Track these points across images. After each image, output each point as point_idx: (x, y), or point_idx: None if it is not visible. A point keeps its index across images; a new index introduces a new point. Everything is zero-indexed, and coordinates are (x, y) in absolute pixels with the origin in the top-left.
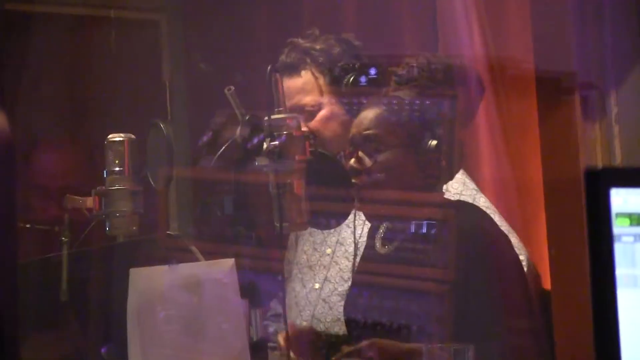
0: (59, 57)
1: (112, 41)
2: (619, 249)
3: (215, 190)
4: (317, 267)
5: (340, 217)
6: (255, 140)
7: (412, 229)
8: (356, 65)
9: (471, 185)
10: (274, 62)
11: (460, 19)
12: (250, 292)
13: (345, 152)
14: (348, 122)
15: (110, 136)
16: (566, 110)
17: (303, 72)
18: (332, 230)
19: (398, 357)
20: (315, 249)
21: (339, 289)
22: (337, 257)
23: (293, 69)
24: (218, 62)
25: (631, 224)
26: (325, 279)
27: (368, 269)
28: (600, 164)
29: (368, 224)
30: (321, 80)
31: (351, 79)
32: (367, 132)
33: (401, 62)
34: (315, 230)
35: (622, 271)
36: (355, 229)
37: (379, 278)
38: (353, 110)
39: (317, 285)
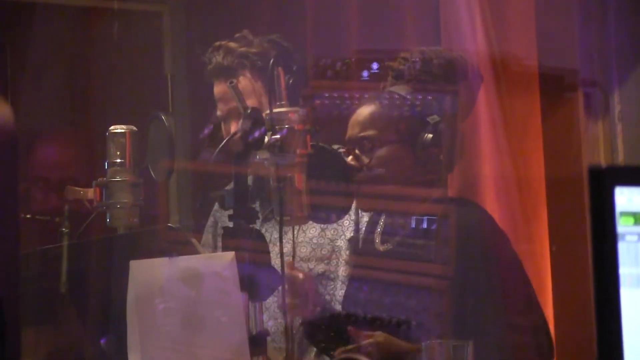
0: (61, 49)
1: (115, 33)
2: (622, 248)
3: (216, 183)
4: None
5: (340, 212)
6: (257, 134)
7: (412, 225)
8: (293, 67)
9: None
10: (276, 56)
11: (464, 15)
12: (250, 286)
13: (343, 151)
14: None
15: (111, 128)
16: (569, 107)
17: (241, 78)
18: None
19: (399, 355)
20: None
21: None
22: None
23: (230, 74)
24: None
25: (635, 223)
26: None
27: (367, 265)
28: (602, 162)
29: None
30: (258, 84)
31: (289, 80)
32: (362, 133)
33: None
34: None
35: (625, 270)
36: (293, 230)
37: (378, 274)
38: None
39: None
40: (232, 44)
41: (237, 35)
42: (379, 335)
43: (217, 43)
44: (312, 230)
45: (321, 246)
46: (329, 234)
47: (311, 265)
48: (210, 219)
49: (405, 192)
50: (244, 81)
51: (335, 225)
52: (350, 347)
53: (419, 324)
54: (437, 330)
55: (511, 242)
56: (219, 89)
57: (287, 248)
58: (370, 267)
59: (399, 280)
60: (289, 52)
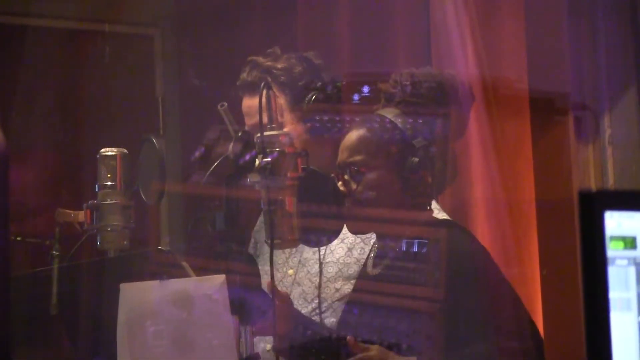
0: (53, 72)
1: (106, 55)
2: (612, 272)
3: (207, 206)
4: (279, 288)
5: (331, 235)
6: (248, 157)
7: (401, 249)
8: (318, 84)
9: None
10: (267, 79)
11: (454, 39)
12: (240, 309)
13: (333, 175)
14: (309, 141)
15: (102, 150)
16: (559, 130)
17: (264, 92)
18: (293, 251)
19: None
20: (276, 269)
21: (303, 311)
22: (300, 278)
23: (254, 89)
24: (211, 77)
25: (625, 247)
26: None
27: (359, 288)
28: (593, 185)
29: (349, 245)
30: (281, 100)
31: (312, 97)
32: (350, 159)
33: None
34: (277, 250)
35: (615, 294)
36: (320, 250)
37: (370, 297)
38: (318, 129)
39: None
40: (260, 59)
41: (268, 50)
42: (374, 349)
43: (249, 58)
44: (340, 250)
45: (348, 266)
46: (355, 253)
47: (338, 285)
48: (252, 240)
49: (393, 215)
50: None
51: (362, 244)
52: None
53: (409, 347)
54: (428, 354)
55: (494, 260)
56: (244, 103)
57: (315, 268)
58: (362, 290)
59: (389, 304)
60: (317, 70)
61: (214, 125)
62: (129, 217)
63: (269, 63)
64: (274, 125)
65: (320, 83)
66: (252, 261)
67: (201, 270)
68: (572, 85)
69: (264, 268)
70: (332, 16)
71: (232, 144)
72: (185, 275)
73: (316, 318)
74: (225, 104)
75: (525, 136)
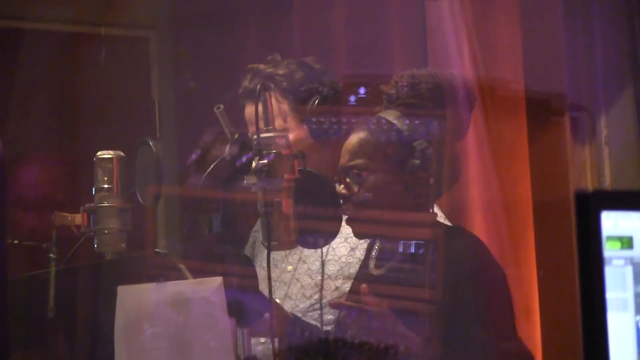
0: (49, 74)
1: (102, 58)
2: (609, 272)
3: (204, 209)
4: (277, 284)
5: (328, 236)
6: (244, 159)
7: (402, 250)
8: (319, 89)
9: (439, 213)
10: (263, 81)
11: (451, 40)
12: (237, 311)
13: (334, 179)
14: (313, 145)
15: (99, 153)
16: (556, 131)
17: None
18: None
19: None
20: (275, 265)
21: (300, 306)
22: (299, 274)
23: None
24: (207, 80)
25: (622, 247)
26: (286, 295)
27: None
28: (589, 186)
29: (352, 245)
30: (285, 106)
31: (315, 101)
32: (351, 162)
33: (389, 81)
34: None
35: (612, 295)
36: (322, 248)
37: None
38: (321, 132)
39: (277, 301)
40: (261, 66)
41: (268, 57)
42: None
43: (249, 66)
44: (342, 248)
45: (350, 265)
46: (358, 253)
47: (338, 283)
48: (250, 239)
49: (395, 217)
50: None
51: (364, 244)
52: None
53: (408, 349)
54: (429, 355)
55: (499, 263)
56: (247, 110)
57: (316, 265)
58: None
59: (392, 305)
60: (317, 75)
61: (210, 128)
62: (126, 220)
63: (270, 70)
64: (270, 128)
65: (321, 87)
66: (249, 263)
67: (198, 273)
68: (569, 86)
69: (262, 267)
70: (328, 19)
71: (228, 147)
72: (182, 277)
73: (314, 314)
74: (222, 106)
75: (521, 137)
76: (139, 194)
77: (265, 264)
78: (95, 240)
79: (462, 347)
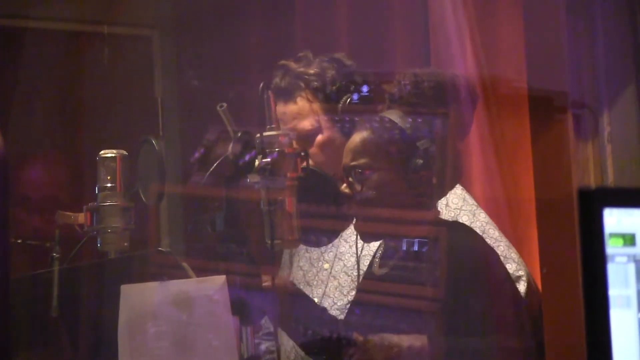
0: (51, 73)
1: (105, 57)
2: (612, 270)
3: (207, 207)
4: (315, 283)
5: (331, 235)
6: (247, 157)
7: (405, 249)
8: (351, 86)
9: (470, 200)
10: (266, 79)
11: (453, 38)
12: (241, 310)
13: (338, 177)
14: (345, 144)
15: (102, 152)
16: (559, 129)
17: (298, 99)
18: (329, 246)
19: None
20: (312, 265)
21: (338, 304)
22: (336, 271)
23: (288, 95)
24: (210, 78)
25: (624, 244)
26: (324, 294)
27: (365, 288)
28: (592, 183)
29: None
30: (316, 105)
31: (347, 100)
32: (354, 162)
33: (393, 80)
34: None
35: (615, 292)
36: (357, 244)
37: (375, 298)
38: (349, 131)
39: (315, 301)
40: (292, 65)
41: (300, 54)
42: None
43: (280, 62)
44: (376, 243)
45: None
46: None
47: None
48: None
49: (399, 216)
50: (301, 102)
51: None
52: None
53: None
54: (438, 355)
55: (501, 261)
56: (279, 109)
57: (352, 262)
58: (368, 290)
59: (395, 304)
60: (349, 72)
61: (213, 126)
62: (129, 219)
63: (302, 69)
64: (273, 126)
65: (353, 85)
66: (252, 261)
67: (201, 271)
68: (571, 84)
69: (299, 266)
70: (331, 17)
71: (231, 145)
72: (185, 276)
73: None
74: (225, 104)
75: (524, 135)
76: (142, 192)
77: (302, 264)
78: (99, 239)
79: (463, 343)
